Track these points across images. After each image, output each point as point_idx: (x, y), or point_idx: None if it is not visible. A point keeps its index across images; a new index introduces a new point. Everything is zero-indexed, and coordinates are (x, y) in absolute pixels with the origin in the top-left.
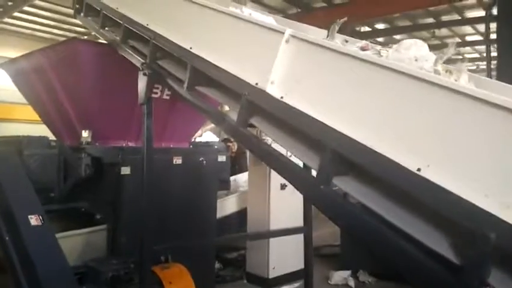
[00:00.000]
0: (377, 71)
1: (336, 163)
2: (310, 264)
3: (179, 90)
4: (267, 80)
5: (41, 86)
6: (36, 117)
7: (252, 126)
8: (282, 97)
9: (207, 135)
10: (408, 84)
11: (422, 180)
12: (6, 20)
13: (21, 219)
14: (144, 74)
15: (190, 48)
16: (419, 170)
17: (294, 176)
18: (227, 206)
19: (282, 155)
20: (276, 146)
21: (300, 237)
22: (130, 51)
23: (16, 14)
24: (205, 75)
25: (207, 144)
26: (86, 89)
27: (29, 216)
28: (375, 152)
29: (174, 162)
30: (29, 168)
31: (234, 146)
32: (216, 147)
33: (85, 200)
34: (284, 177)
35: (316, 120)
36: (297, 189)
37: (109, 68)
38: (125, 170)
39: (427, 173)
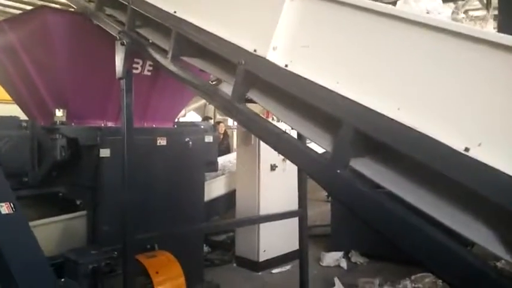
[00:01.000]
0: (409, 29)
1: (356, 143)
2: (305, 248)
3: (163, 62)
4: (268, 46)
5: (8, 61)
6: (7, 96)
7: (250, 101)
8: (286, 65)
9: (190, 115)
10: (449, 43)
11: (470, 160)
12: None
13: None
14: (122, 44)
15: (174, 12)
16: (467, 149)
17: (304, 159)
18: (215, 188)
19: (289, 135)
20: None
21: (291, 219)
22: (106, 20)
23: None
24: (193, 43)
25: (193, 124)
26: (58, 64)
27: None
28: (410, 128)
29: (158, 143)
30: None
31: (222, 127)
32: (202, 127)
33: (63, 185)
34: (292, 161)
35: (330, 91)
36: (309, 174)
37: (84, 39)
38: (105, 152)
39: (477, 153)
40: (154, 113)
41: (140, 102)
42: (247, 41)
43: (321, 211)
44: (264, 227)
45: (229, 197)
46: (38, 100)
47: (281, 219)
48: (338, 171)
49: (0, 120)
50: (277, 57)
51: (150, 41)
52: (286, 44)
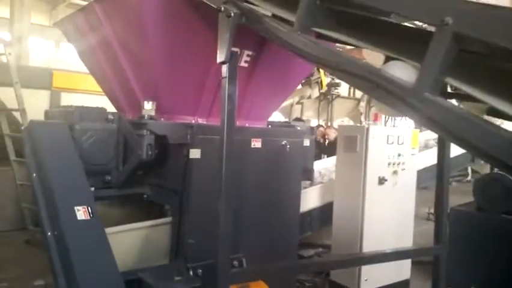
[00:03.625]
0: None
1: None
2: None
3: (286, 35)
4: None
5: (98, 46)
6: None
7: None
8: None
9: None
10: None
11: None
12: None
13: (66, 210)
14: (228, 16)
15: None
16: None
17: None
18: (309, 199)
19: None
20: None
21: (399, 240)
22: None
23: None
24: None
25: (289, 124)
26: (150, 49)
27: (76, 208)
28: None
29: (252, 146)
30: (81, 146)
31: (330, 132)
32: (299, 128)
33: (148, 186)
34: None
35: None
36: None
37: (179, 25)
38: (195, 153)
39: None
40: (248, 110)
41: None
42: None
43: (421, 230)
44: (367, 249)
45: (325, 211)
46: (127, 91)
47: (404, 258)
48: None
49: (86, 112)
50: None
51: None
52: None
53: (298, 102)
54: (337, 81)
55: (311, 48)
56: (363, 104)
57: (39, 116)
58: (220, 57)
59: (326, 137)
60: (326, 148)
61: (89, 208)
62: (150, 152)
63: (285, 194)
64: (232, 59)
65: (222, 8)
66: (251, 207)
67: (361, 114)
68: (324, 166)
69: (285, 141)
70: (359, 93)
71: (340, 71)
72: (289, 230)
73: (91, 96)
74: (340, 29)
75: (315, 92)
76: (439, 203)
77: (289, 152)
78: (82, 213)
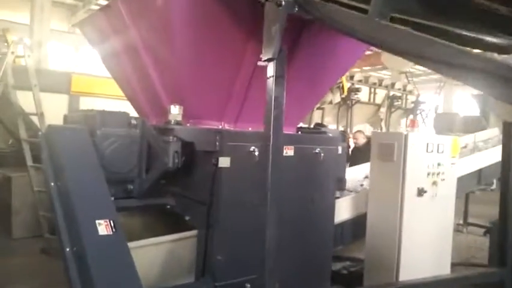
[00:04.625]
0: None
1: None
2: None
3: (360, 24)
4: None
5: (121, 47)
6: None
7: None
8: None
9: None
10: None
11: None
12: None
13: (87, 225)
14: (278, 5)
15: None
16: None
17: None
18: (341, 210)
19: None
20: None
21: (438, 257)
22: None
23: None
24: None
25: (321, 130)
26: (177, 51)
27: (97, 222)
28: None
29: (285, 153)
30: (103, 153)
31: (359, 137)
32: (330, 135)
33: (172, 196)
34: None
35: None
36: None
37: (208, 22)
38: (224, 162)
39: None
40: None
41: (263, 101)
42: None
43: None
44: (406, 266)
45: (357, 223)
46: (151, 94)
47: (464, 283)
48: None
49: (108, 116)
50: None
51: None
52: None
53: (318, 108)
54: (357, 86)
55: (401, 39)
56: (383, 109)
57: (58, 121)
58: (266, 53)
59: (354, 141)
60: (349, 156)
61: (111, 222)
62: (177, 160)
63: (319, 205)
64: (280, 55)
65: None
66: (284, 220)
67: (381, 120)
68: (351, 177)
69: (318, 149)
70: (379, 99)
71: (447, 65)
72: (324, 244)
73: (110, 101)
74: (425, 14)
75: (337, 97)
76: (503, 220)
77: (323, 161)
78: (103, 227)
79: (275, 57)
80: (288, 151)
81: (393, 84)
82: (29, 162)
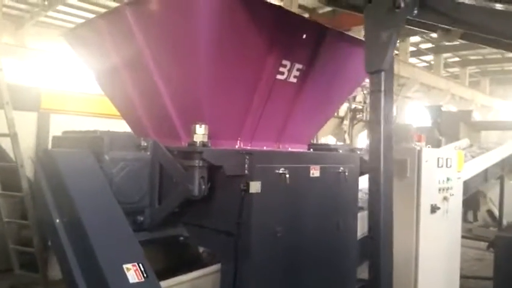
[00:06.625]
0: None
1: None
2: None
3: None
4: None
5: (121, 61)
6: (98, 109)
7: None
8: None
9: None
10: None
11: None
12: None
13: (114, 272)
14: (397, 7)
15: None
16: None
17: None
18: None
19: None
20: None
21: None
22: None
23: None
24: None
25: (330, 146)
26: (197, 65)
27: (125, 267)
28: None
29: (311, 175)
30: (112, 181)
31: None
32: (340, 151)
33: (185, 226)
34: None
35: None
36: None
37: (231, 32)
38: (255, 187)
39: None
40: (292, 131)
41: (281, 117)
42: None
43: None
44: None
45: (365, 243)
46: (157, 114)
47: None
48: None
49: (115, 138)
50: None
51: None
52: None
53: None
54: None
55: None
56: (346, 122)
57: (27, 143)
58: (372, 64)
59: None
60: None
61: (140, 266)
62: (203, 187)
63: (344, 231)
64: (390, 66)
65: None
66: (310, 247)
67: (345, 132)
68: None
69: (342, 168)
70: (341, 112)
71: None
72: (347, 273)
73: (87, 119)
74: None
75: None
76: None
77: (347, 180)
78: (133, 273)
79: (386, 68)
80: (314, 171)
81: (354, 98)
82: None
